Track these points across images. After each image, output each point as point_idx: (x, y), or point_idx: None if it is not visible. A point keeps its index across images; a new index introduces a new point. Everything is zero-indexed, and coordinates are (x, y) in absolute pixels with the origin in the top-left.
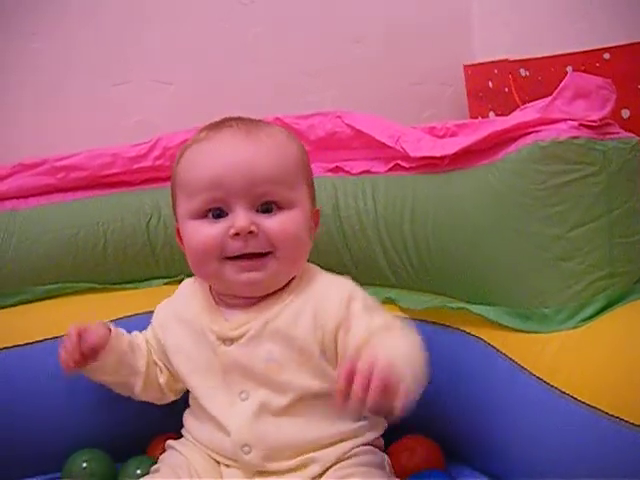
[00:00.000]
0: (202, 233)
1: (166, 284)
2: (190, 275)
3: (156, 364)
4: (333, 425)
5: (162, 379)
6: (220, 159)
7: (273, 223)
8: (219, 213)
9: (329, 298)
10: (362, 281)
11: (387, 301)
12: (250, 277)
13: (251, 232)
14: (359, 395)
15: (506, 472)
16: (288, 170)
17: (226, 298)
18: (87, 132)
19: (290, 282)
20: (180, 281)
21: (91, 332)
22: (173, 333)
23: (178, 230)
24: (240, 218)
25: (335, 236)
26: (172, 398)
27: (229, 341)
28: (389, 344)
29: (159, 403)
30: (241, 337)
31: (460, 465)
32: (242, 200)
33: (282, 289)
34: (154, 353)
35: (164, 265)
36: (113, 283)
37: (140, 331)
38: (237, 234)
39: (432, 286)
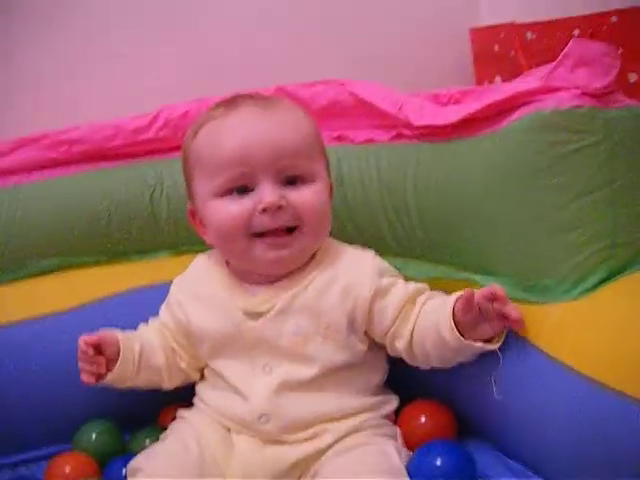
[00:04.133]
0: (228, 211)
1: (172, 255)
2: (195, 247)
3: (174, 351)
4: (352, 399)
5: (183, 364)
6: (243, 135)
7: (300, 197)
8: (243, 189)
9: (359, 272)
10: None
11: None
12: (279, 255)
13: (280, 207)
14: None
15: (509, 443)
16: (308, 143)
17: (249, 275)
18: (87, 104)
19: (314, 255)
20: (185, 252)
21: (106, 343)
22: (194, 311)
23: (191, 211)
24: (268, 193)
25: (339, 205)
26: (198, 377)
27: (256, 316)
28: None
29: (185, 384)
30: (269, 311)
31: (470, 436)
32: (268, 175)
33: (308, 262)
34: (171, 338)
35: (169, 236)
36: (118, 255)
37: (148, 303)
38: (265, 209)
39: (436, 255)
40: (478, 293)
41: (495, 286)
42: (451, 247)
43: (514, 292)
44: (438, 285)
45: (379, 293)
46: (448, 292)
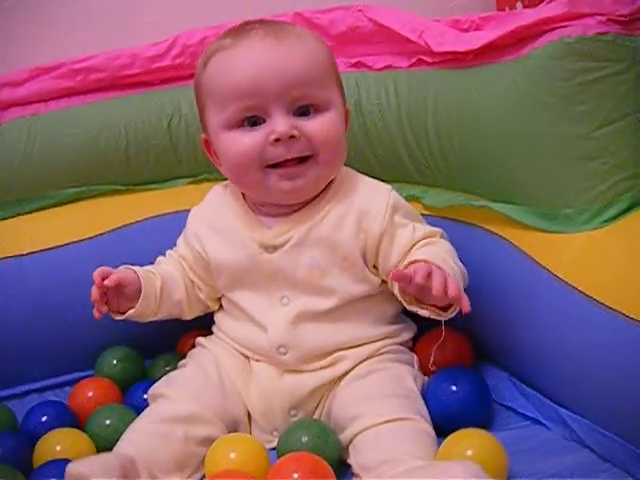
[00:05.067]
0: (240, 143)
1: (190, 184)
2: (213, 175)
3: (193, 283)
4: (370, 328)
5: (202, 295)
6: (253, 65)
7: (313, 126)
8: (255, 121)
9: (373, 206)
10: (386, 178)
11: (410, 198)
12: (293, 185)
13: (292, 137)
14: (439, 287)
15: (525, 371)
16: (321, 71)
17: (265, 207)
18: (103, 33)
19: (330, 187)
20: (203, 181)
21: (126, 282)
22: (211, 244)
23: (206, 141)
24: (280, 123)
25: (358, 133)
26: (217, 307)
27: (272, 249)
28: (434, 253)
29: (204, 314)
30: (285, 244)
31: (486, 364)
32: (279, 105)
33: (323, 194)
34: (190, 270)
35: (187, 165)
36: (136, 184)
37: (167, 231)
38: (278, 140)
39: (455, 183)
40: (415, 273)
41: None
42: (471, 175)
43: (534, 221)
44: (457, 213)
45: (388, 232)
46: (467, 220)
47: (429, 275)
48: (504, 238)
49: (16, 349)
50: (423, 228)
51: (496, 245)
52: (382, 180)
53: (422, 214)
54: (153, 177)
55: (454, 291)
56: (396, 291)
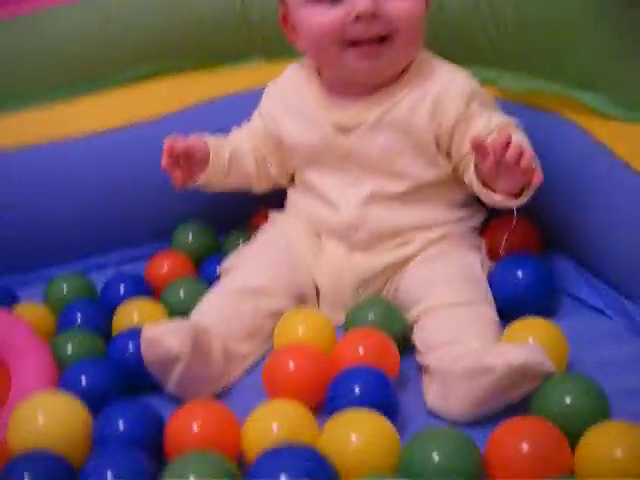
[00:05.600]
0: (320, 18)
1: (265, 61)
2: (289, 53)
3: (264, 158)
4: (440, 211)
5: (273, 170)
6: None
7: (395, 5)
8: None
9: (450, 91)
10: (461, 60)
11: (485, 81)
12: (371, 64)
13: (374, 14)
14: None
15: (595, 261)
16: None
17: (341, 87)
18: None
19: (408, 70)
20: (278, 59)
21: (195, 148)
22: (285, 123)
23: (283, 16)
24: (362, 2)
25: (434, 13)
26: (286, 183)
27: (346, 130)
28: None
29: (274, 189)
30: (359, 126)
31: (554, 253)
32: None
33: (400, 77)
34: (262, 144)
35: (261, 42)
36: (212, 61)
37: (241, 108)
38: (359, 17)
39: (532, 66)
40: (494, 139)
41: (509, 136)
42: (549, 58)
43: (614, 110)
44: (533, 98)
45: (463, 120)
46: (543, 106)
47: (507, 146)
48: (581, 126)
49: (94, 223)
50: (499, 117)
51: (572, 133)
52: (456, 63)
53: (496, 98)
54: (228, 54)
55: (528, 161)
56: (469, 176)
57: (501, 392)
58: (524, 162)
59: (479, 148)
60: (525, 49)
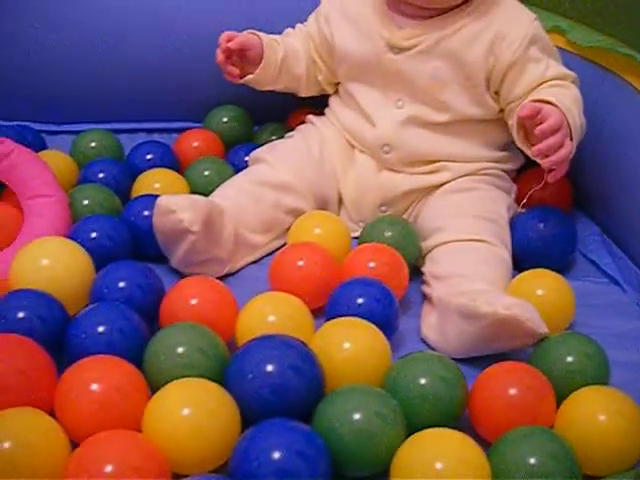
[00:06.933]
0: None
1: None
2: None
3: (315, 62)
4: (478, 148)
5: (321, 76)
6: None
7: None
8: None
9: (511, 31)
10: (536, 3)
11: (555, 29)
12: None
13: None
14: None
15: (622, 232)
16: None
17: (403, 5)
18: None
19: (472, 0)
20: None
21: (249, 45)
22: (339, 30)
23: None
24: None
25: None
26: (332, 91)
27: (398, 50)
28: (562, 98)
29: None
30: (412, 48)
31: (582, 215)
32: None
33: (463, 7)
34: (314, 49)
35: None
36: None
37: (297, 10)
38: None
39: (605, 24)
40: (522, 108)
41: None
42: (626, 19)
43: None
44: (600, 57)
45: (519, 63)
46: (608, 67)
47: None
48: None
49: (127, 87)
50: (557, 67)
51: (630, 98)
52: (536, 6)
53: (562, 49)
54: None
55: (553, 141)
56: (511, 122)
57: (490, 340)
58: (550, 141)
59: (527, 118)
60: (604, 6)
